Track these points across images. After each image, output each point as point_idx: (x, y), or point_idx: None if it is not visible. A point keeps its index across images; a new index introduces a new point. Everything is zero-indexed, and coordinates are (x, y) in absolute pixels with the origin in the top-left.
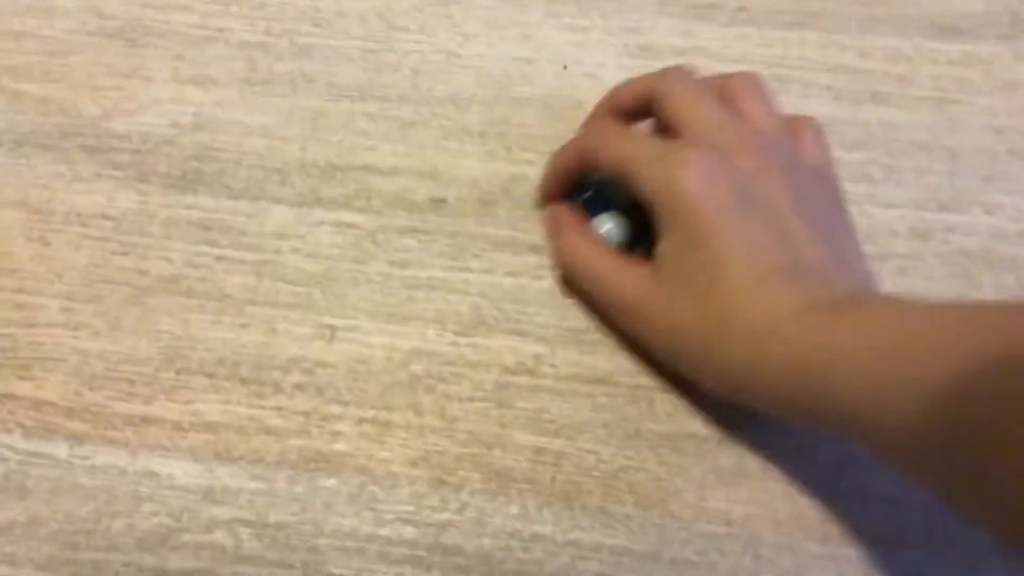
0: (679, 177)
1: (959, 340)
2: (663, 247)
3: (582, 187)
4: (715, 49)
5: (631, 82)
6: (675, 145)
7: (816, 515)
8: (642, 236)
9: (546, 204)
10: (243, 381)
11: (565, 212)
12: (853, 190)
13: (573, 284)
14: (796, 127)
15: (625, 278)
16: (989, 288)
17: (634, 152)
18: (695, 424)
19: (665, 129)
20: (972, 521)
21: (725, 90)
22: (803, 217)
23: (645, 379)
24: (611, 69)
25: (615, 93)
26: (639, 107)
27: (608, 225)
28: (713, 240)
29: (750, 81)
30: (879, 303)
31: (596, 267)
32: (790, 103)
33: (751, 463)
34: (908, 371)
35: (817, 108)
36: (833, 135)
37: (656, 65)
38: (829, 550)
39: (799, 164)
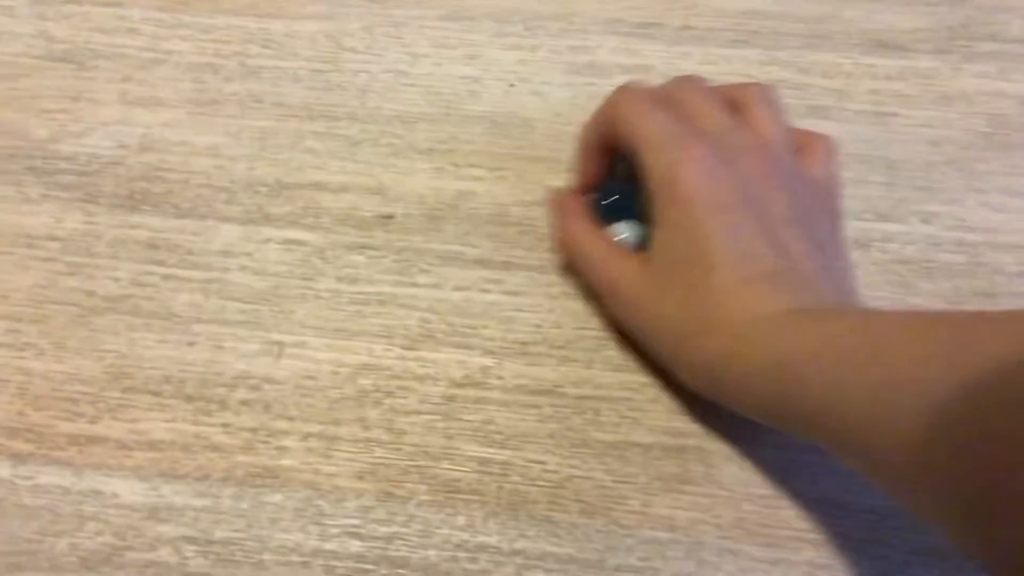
0: (681, 169)
1: (925, 345)
2: (657, 236)
3: (608, 191)
4: (660, 66)
5: (643, 87)
6: (686, 135)
7: (758, 519)
8: None
9: (578, 178)
10: (189, 399)
11: (568, 198)
12: None
13: (571, 268)
14: (808, 141)
15: (618, 264)
16: (927, 295)
17: (648, 129)
18: (640, 433)
19: None
20: (926, 522)
21: (736, 98)
22: (798, 228)
23: (591, 390)
24: (557, 87)
25: (638, 86)
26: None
27: (625, 233)
28: (706, 236)
29: (762, 91)
30: (854, 311)
31: (591, 251)
32: None
33: (694, 470)
34: (875, 375)
35: None
36: None
37: (602, 83)
38: (771, 553)
39: (801, 176)
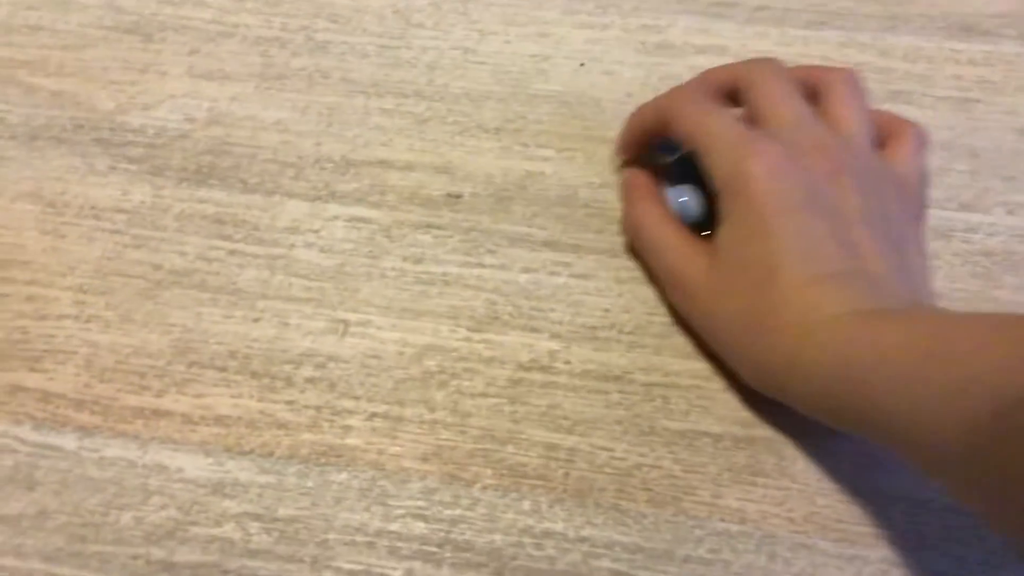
0: (748, 167)
1: (1003, 346)
2: (723, 233)
3: (671, 150)
4: (734, 47)
5: (721, 67)
6: (751, 134)
7: (833, 514)
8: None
9: (619, 157)
10: (254, 375)
11: (641, 178)
12: None
13: (634, 251)
14: (895, 129)
15: (685, 256)
16: (1011, 289)
17: (710, 130)
18: (710, 422)
19: (749, 118)
20: (997, 527)
21: (816, 83)
22: (870, 227)
23: (660, 377)
24: (629, 67)
25: (705, 74)
26: (726, 92)
27: (685, 198)
28: (773, 236)
29: (844, 79)
30: (927, 312)
31: (659, 239)
32: None
33: (767, 462)
34: (948, 375)
35: None
36: None
37: (674, 63)
38: (846, 550)
39: (879, 171)
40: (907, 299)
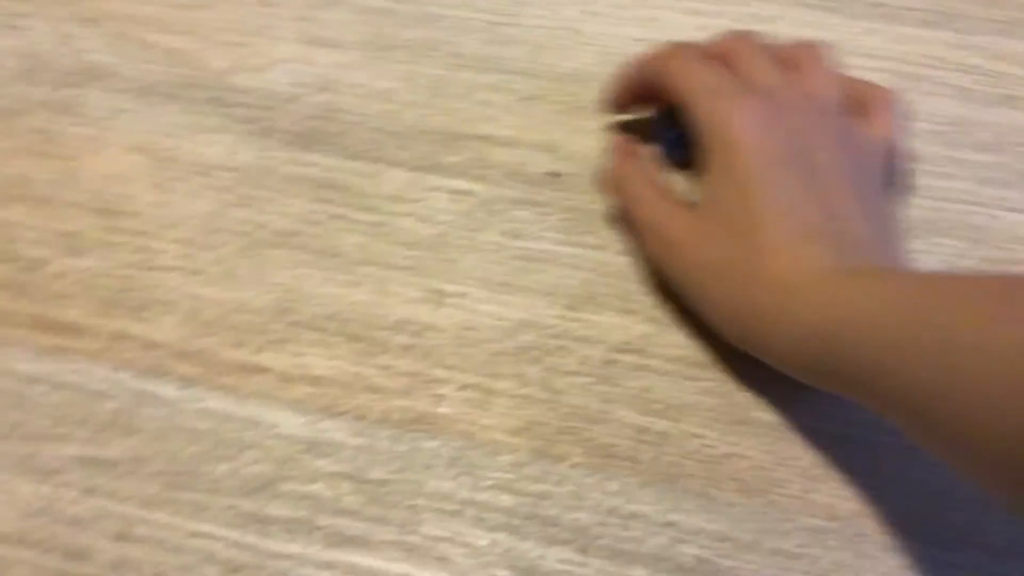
0: (736, 118)
1: (1011, 305)
2: (707, 183)
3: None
4: (845, 42)
5: (701, 41)
6: (739, 87)
7: (928, 517)
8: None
9: (605, 108)
10: (351, 338)
11: (626, 140)
12: (980, 192)
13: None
14: (869, 98)
15: (666, 208)
16: None
17: (698, 81)
18: (804, 416)
19: None
20: (994, 492)
21: (790, 57)
22: (851, 189)
23: (753, 367)
24: None
25: (688, 43)
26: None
27: (673, 135)
28: (758, 188)
29: (816, 50)
30: (915, 272)
31: (641, 192)
32: (915, 101)
33: (861, 460)
34: (935, 333)
35: (944, 107)
36: (963, 136)
37: None
38: (939, 554)
39: (855, 137)
40: (887, 260)
